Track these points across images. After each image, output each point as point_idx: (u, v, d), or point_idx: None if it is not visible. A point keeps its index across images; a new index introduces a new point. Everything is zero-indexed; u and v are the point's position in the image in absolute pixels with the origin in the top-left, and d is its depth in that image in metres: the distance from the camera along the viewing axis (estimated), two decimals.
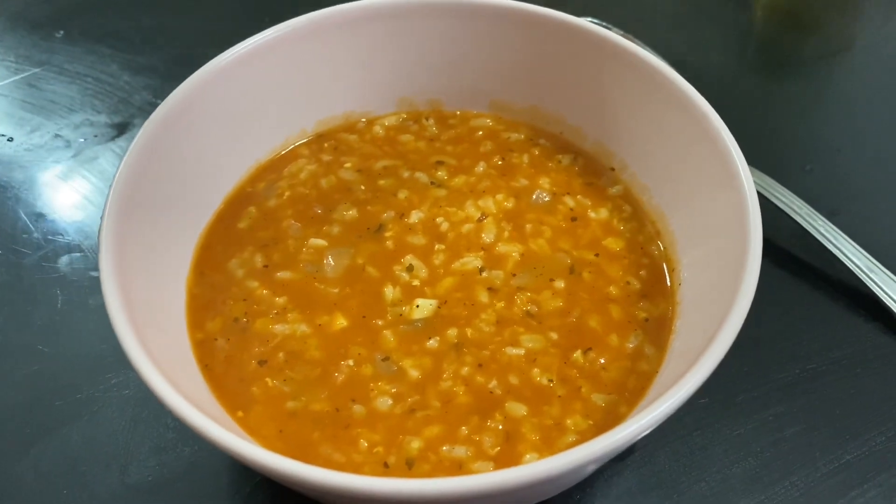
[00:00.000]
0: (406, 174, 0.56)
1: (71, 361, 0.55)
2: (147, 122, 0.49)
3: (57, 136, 0.70)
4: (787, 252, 0.60)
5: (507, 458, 0.43)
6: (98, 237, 0.43)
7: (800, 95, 0.78)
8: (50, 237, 0.63)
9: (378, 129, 0.59)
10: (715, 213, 0.47)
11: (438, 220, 0.53)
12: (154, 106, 0.71)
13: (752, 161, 0.47)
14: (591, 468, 0.45)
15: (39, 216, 0.64)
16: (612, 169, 0.56)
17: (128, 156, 0.47)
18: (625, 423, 0.36)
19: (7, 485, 0.50)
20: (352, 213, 0.54)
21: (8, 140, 0.70)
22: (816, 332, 0.57)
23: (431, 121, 0.60)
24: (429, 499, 0.34)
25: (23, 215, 0.64)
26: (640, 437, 0.37)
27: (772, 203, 0.60)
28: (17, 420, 0.52)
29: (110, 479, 0.50)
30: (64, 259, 0.61)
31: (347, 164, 0.57)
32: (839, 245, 0.58)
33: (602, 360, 0.47)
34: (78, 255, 0.61)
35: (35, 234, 0.63)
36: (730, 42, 0.84)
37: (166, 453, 0.51)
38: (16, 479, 0.50)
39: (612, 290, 0.50)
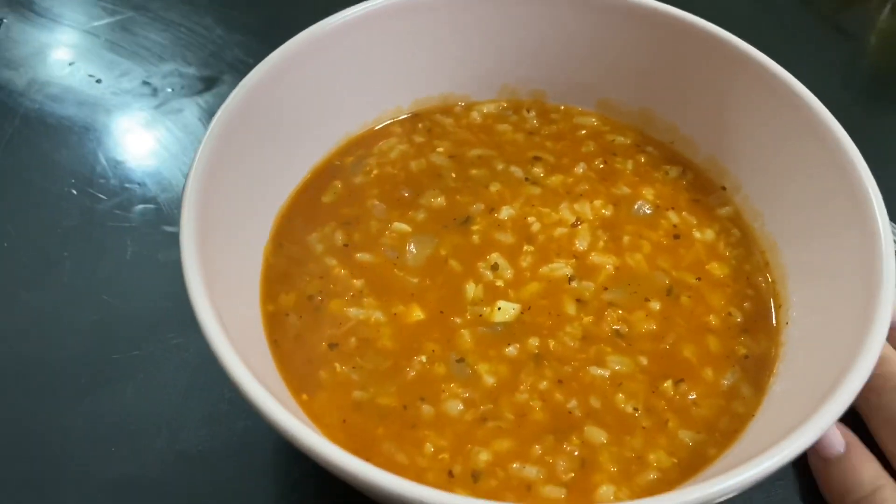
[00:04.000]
0: (500, 166, 0.53)
1: (133, 315, 0.54)
2: (242, 83, 0.46)
3: (145, 83, 0.69)
4: None
5: (580, 487, 0.39)
6: (182, 193, 0.41)
7: None
8: (126, 185, 0.61)
9: (475, 116, 0.56)
10: (839, 253, 0.43)
11: (530, 219, 0.50)
12: (245, 64, 0.70)
13: None
14: None
15: (118, 163, 0.63)
16: (724, 188, 0.52)
17: (220, 114, 0.44)
18: (728, 474, 0.33)
19: (56, 433, 0.48)
20: (439, 200, 0.51)
21: (96, 81, 0.69)
22: None
23: (532, 113, 0.57)
24: None
25: (102, 159, 0.63)
26: (738, 492, 0.33)
27: None
28: (74, 368, 0.51)
29: (160, 442, 0.48)
30: (138, 209, 0.60)
31: (440, 149, 0.54)
32: None
33: (693, 395, 0.43)
34: (152, 206, 0.60)
35: (112, 181, 0.61)
36: (838, 69, 0.78)
37: (219, 424, 0.49)
38: (66, 427, 0.49)
39: (712, 319, 0.46)
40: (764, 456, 0.33)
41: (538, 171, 0.53)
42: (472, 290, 0.46)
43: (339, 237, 0.49)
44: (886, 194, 0.43)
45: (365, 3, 0.51)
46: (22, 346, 0.52)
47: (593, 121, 0.56)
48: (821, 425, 0.34)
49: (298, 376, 0.43)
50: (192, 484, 0.47)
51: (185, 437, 0.48)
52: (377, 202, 0.50)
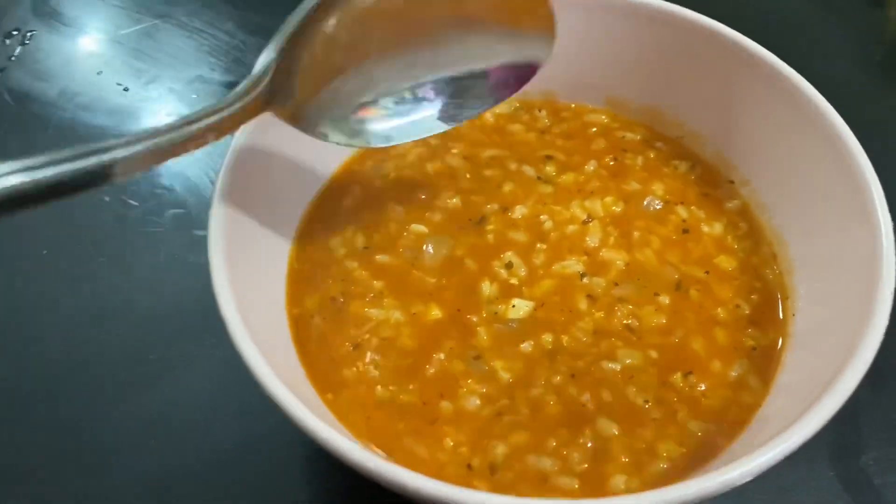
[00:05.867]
0: (513, 166, 0.55)
1: (167, 317, 0.57)
2: None
3: (171, 89, 0.71)
4: None
5: (593, 478, 0.41)
6: (211, 199, 0.43)
7: None
8: (157, 191, 0.64)
9: (488, 116, 0.58)
10: (843, 248, 0.44)
11: (542, 217, 0.52)
12: None
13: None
14: None
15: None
16: (732, 182, 0.53)
17: (245, 125, 0.46)
18: (737, 463, 0.34)
19: (100, 430, 0.52)
20: (455, 201, 0.53)
21: (124, 90, 0.71)
22: None
23: (544, 112, 0.58)
24: None
25: None
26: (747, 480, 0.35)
27: None
28: (115, 368, 0.54)
29: (194, 437, 0.51)
30: (169, 214, 0.62)
31: (455, 150, 0.56)
32: None
33: (702, 386, 0.45)
34: (182, 211, 0.62)
35: (143, 186, 0.64)
36: (860, 49, 0.78)
37: (250, 419, 0.51)
38: (109, 424, 0.52)
39: (720, 312, 0.47)
40: (766, 447, 0.35)
41: (550, 169, 0.54)
42: (487, 288, 0.48)
43: (360, 240, 0.51)
44: None
45: None
46: (64, 350, 0.55)
47: (603, 118, 0.58)
48: (820, 418, 0.35)
49: (324, 376, 0.45)
50: (223, 475, 0.50)
51: (217, 431, 0.51)
52: (395, 205, 0.52)
